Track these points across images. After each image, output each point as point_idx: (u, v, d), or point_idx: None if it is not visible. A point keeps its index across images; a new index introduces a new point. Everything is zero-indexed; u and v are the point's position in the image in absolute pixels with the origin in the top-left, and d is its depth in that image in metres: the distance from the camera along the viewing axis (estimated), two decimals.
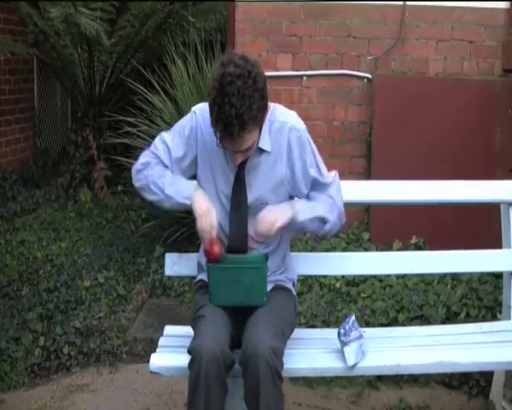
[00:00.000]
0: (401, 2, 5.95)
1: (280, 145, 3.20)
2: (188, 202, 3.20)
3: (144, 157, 3.31)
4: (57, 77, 8.30)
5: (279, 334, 3.04)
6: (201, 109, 3.25)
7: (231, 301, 3.18)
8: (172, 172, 3.28)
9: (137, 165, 3.32)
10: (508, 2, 5.92)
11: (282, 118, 3.23)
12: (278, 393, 2.96)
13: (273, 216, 3.15)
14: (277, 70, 6.06)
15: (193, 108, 3.31)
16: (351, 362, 3.23)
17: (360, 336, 3.27)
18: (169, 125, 5.76)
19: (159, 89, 6.05)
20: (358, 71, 6.06)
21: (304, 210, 3.21)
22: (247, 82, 2.91)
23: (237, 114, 2.88)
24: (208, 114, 3.03)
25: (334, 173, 3.33)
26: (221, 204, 3.24)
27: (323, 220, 3.24)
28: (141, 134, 6.04)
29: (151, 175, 3.26)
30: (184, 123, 3.29)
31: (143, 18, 7.03)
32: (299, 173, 3.23)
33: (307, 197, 3.28)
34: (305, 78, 6.09)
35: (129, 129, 6.20)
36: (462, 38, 5.99)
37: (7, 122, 7.94)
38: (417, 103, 5.83)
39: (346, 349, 3.23)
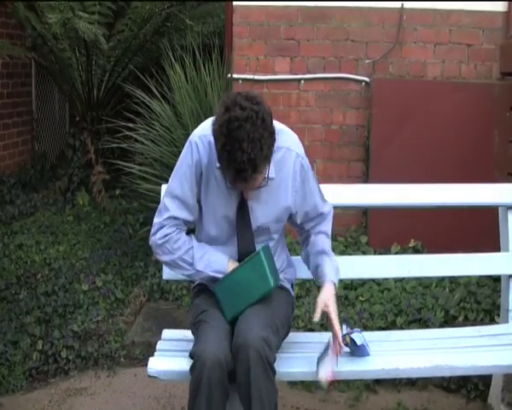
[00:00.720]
0: (399, 6, 5.96)
1: (285, 172, 3.17)
2: (220, 276, 3.16)
3: (160, 228, 3.19)
4: (55, 80, 8.30)
5: (271, 326, 3.01)
6: (200, 136, 3.13)
7: (243, 306, 3.10)
8: (193, 218, 3.22)
9: (156, 239, 3.20)
10: (506, 5, 5.91)
11: (286, 144, 3.17)
12: (271, 384, 2.92)
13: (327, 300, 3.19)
14: (275, 74, 6.06)
15: (190, 139, 3.18)
16: (359, 342, 3.26)
17: (360, 332, 3.33)
18: (167, 129, 5.80)
19: (156, 93, 6.04)
20: (356, 74, 6.06)
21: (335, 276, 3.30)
22: (255, 124, 2.79)
23: (249, 159, 2.78)
24: (207, 139, 3.05)
25: (330, 206, 3.42)
26: (222, 228, 3.20)
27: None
28: (139, 138, 6.04)
29: (177, 250, 3.18)
30: (187, 161, 3.16)
31: (141, 22, 7.03)
32: (303, 200, 3.24)
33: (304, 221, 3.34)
34: (302, 81, 6.09)
35: (127, 133, 6.20)
36: (459, 41, 6.00)
37: (5, 126, 7.94)
38: (415, 107, 5.84)
39: (352, 335, 3.27)
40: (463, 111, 5.82)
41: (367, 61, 6.04)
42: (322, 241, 3.33)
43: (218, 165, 2.96)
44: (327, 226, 3.37)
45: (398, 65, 6.04)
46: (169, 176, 4.97)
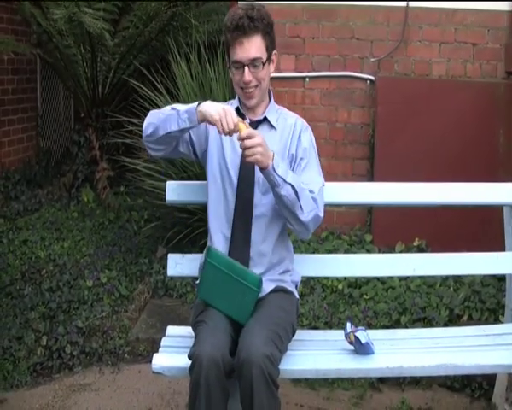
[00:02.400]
0: (404, 4, 5.95)
1: (285, 127, 3.40)
2: (193, 110, 3.12)
3: None
4: (60, 77, 8.30)
5: (275, 340, 3.02)
6: None
7: (216, 304, 3.18)
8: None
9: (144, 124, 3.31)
10: (511, 4, 5.91)
11: (292, 114, 3.48)
12: (273, 400, 2.92)
13: (262, 141, 3.08)
14: (280, 71, 6.05)
15: None
16: (363, 340, 3.27)
17: (365, 330, 3.34)
18: None
19: (161, 89, 6.05)
20: (361, 73, 6.06)
21: (283, 168, 3.15)
22: (257, 3, 3.29)
23: (247, 14, 3.20)
24: None
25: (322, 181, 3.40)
26: (230, 181, 3.30)
27: (297, 198, 3.16)
28: None
29: (155, 113, 3.28)
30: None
31: (147, 19, 7.03)
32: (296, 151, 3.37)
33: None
34: (307, 79, 6.09)
35: (132, 128, 6.20)
36: (465, 40, 5.98)
37: (10, 122, 7.95)
38: (420, 105, 5.84)
39: (357, 334, 3.29)
40: (468, 110, 5.81)
41: (372, 60, 6.04)
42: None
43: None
44: (313, 187, 3.28)
45: (404, 63, 6.03)
46: (173, 172, 5.01)
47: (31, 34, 8.31)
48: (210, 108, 3.08)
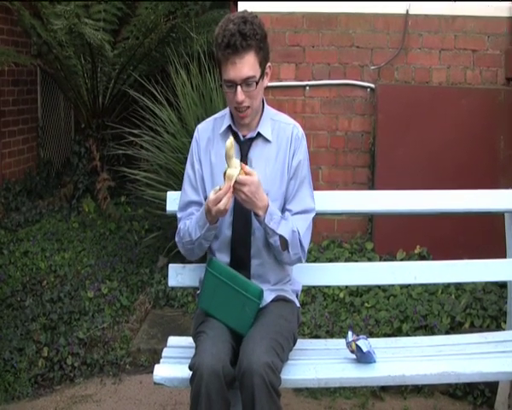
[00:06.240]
0: (404, 12, 5.96)
1: (282, 139, 3.30)
2: (207, 224, 3.13)
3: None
4: (60, 88, 8.31)
5: (276, 348, 3.00)
6: (203, 121, 3.40)
7: (217, 315, 3.17)
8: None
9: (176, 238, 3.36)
10: (511, 10, 5.91)
11: (288, 121, 3.37)
12: (275, 408, 2.91)
13: (259, 192, 3.08)
14: (280, 80, 6.05)
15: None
16: (365, 349, 3.26)
17: (366, 338, 3.33)
18: (172, 136, 5.80)
19: (162, 99, 6.04)
20: (361, 81, 6.06)
21: (277, 220, 3.15)
22: (250, 14, 3.14)
23: (239, 30, 3.05)
24: (208, 122, 3.34)
25: (313, 210, 3.36)
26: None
27: (285, 244, 3.20)
28: (144, 145, 6.04)
29: (183, 238, 3.26)
30: (191, 160, 3.35)
31: (146, 31, 7.04)
32: (291, 164, 3.29)
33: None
34: (308, 88, 6.09)
35: (132, 139, 6.20)
36: (465, 46, 5.99)
37: (10, 133, 7.95)
38: (421, 113, 5.83)
39: (358, 342, 3.28)
40: (468, 117, 5.81)
41: (372, 68, 6.04)
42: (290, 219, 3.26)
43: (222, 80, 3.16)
44: (300, 224, 3.26)
45: (404, 71, 6.03)
46: (174, 182, 5.02)
47: (31, 45, 8.32)
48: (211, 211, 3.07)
